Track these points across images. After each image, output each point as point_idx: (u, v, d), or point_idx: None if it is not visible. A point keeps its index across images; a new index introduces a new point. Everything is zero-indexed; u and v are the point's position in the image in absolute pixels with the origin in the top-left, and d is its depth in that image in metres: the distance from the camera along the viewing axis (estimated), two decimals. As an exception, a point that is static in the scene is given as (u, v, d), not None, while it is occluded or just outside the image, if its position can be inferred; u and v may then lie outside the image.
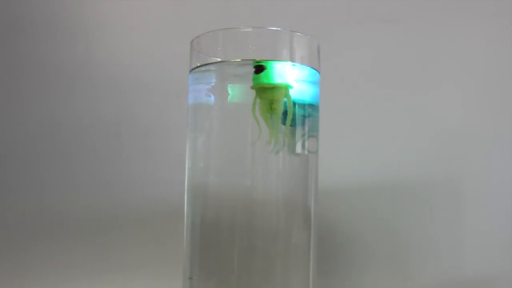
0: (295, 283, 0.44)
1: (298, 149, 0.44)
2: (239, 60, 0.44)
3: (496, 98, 0.67)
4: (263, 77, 0.42)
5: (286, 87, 0.43)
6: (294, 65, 0.44)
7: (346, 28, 0.68)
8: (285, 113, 0.43)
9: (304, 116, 0.44)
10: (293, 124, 0.44)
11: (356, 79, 0.67)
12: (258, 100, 0.42)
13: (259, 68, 0.42)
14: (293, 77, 0.44)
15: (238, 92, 0.44)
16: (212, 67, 0.45)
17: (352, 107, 0.67)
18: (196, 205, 0.45)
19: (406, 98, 0.68)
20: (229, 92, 0.44)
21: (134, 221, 0.66)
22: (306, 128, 0.44)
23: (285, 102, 0.43)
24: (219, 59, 0.45)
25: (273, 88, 0.42)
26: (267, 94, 0.42)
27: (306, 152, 0.44)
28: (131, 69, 0.69)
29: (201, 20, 0.67)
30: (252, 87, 0.43)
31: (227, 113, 0.44)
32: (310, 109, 0.45)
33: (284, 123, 0.43)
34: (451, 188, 0.66)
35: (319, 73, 0.47)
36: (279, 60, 0.44)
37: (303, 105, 0.44)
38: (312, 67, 0.45)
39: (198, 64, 0.46)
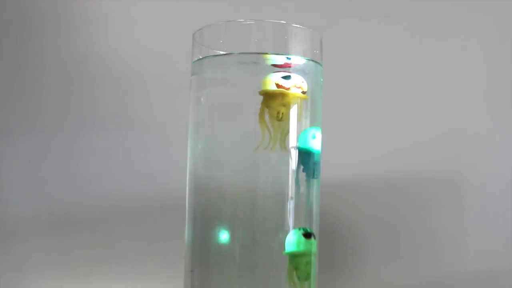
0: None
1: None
2: (241, 53, 0.44)
3: (498, 94, 0.67)
4: None
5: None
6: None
7: (349, 22, 0.68)
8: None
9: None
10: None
11: (359, 74, 0.67)
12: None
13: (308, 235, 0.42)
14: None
15: (240, 87, 0.44)
16: (214, 60, 0.45)
17: (354, 102, 0.67)
18: (198, 198, 0.45)
19: (408, 94, 0.67)
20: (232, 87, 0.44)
21: (135, 214, 0.66)
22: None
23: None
24: (221, 52, 0.45)
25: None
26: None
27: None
28: (133, 61, 0.69)
29: (204, 12, 0.66)
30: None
31: (229, 106, 0.44)
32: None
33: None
34: (452, 184, 0.66)
35: (322, 66, 0.46)
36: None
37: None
38: (314, 60, 0.45)
39: (200, 57, 0.45)
